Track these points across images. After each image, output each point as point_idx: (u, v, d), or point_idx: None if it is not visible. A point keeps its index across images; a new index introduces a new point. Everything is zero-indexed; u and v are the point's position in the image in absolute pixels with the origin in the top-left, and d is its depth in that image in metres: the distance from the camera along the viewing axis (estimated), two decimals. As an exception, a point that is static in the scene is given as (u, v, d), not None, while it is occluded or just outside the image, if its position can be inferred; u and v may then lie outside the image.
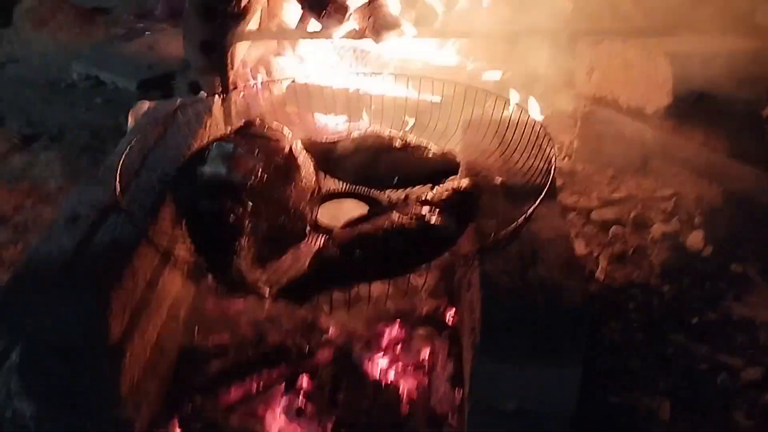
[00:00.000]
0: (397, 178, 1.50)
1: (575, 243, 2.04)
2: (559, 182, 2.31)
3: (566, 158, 2.41)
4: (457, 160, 1.56)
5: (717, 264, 1.93)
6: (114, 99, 2.82)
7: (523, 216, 1.25)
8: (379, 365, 1.51)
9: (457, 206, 1.36)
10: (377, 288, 1.24)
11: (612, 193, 2.25)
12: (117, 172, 1.31)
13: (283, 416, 1.41)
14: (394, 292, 1.28)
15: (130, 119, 2.29)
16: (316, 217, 1.45)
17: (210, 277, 1.20)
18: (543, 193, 1.31)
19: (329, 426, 1.39)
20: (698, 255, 1.97)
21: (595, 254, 2.00)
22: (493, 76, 2.34)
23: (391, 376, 1.50)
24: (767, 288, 1.86)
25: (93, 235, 1.32)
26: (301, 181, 1.46)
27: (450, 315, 1.61)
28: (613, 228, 2.10)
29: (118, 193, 1.27)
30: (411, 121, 1.87)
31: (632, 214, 2.15)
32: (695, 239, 2.01)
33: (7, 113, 2.74)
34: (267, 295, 1.19)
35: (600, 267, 1.94)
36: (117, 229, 1.33)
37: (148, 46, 3.19)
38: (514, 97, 2.33)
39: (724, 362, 1.63)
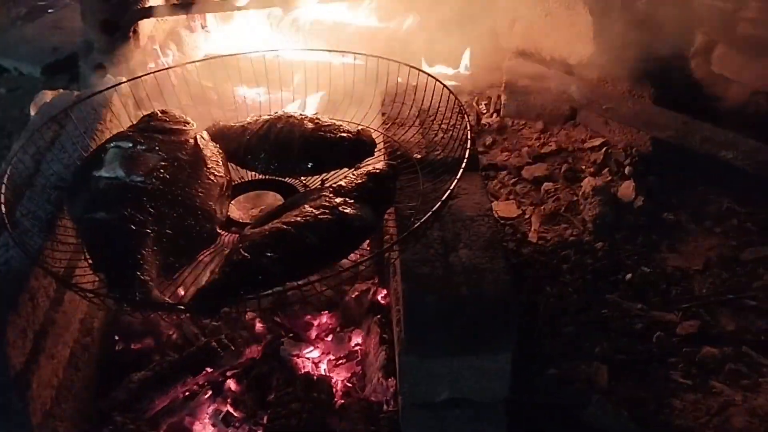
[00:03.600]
0: (311, 164, 1.42)
1: (507, 204, 2.00)
2: (488, 140, 2.26)
3: (494, 114, 2.36)
4: (373, 138, 1.48)
5: (649, 214, 1.91)
6: (19, 87, 2.66)
7: (440, 201, 1.18)
8: (309, 359, 1.46)
9: (374, 191, 1.29)
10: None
11: (542, 148, 2.20)
12: (0, 191, 1.20)
13: (210, 425, 1.35)
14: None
15: (32, 111, 2.15)
16: (227, 214, 1.36)
17: (112, 298, 1.11)
18: (459, 173, 1.24)
19: (260, 430, 1.33)
20: (630, 206, 1.94)
21: (527, 215, 1.96)
22: (411, 36, 2.26)
23: (322, 368, 1.45)
24: (700, 235, 1.85)
25: (-18, 259, 1.22)
26: (209, 177, 1.37)
27: (381, 297, 1.56)
28: (545, 184, 2.06)
29: (2, 215, 1.16)
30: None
31: (563, 168, 2.11)
32: (626, 190, 1.98)
33: None
34: (176, 312, 1.12)
35: (533, 228, 1.90)
36: (9, 250, 1.24)
37: (52, 25, 3.00)
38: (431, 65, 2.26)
39: (660, 319, 1.62)
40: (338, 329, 1.51)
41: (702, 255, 1.79)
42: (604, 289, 1.69)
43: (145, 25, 2.34)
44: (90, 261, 1.18)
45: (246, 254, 1.15)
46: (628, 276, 1.72)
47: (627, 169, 2.03)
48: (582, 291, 1.68)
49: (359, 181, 1.30)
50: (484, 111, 2.37)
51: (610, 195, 1.95)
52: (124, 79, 2.06)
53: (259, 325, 1.51)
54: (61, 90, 2.18)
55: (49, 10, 3.15)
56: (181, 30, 2.54)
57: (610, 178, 2.03)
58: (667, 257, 1.79)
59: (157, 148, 1.37)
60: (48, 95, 2.14)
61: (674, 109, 2.02)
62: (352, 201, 1.25)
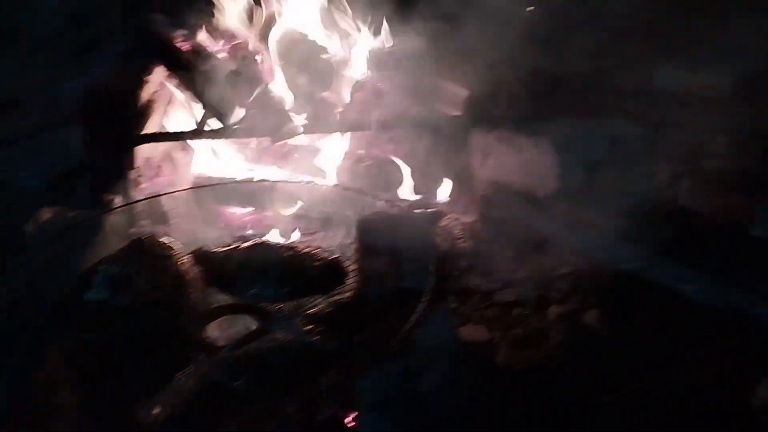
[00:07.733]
0: (286, 289, 1.52)
1: (478, 328, 2.09)
2: (463, 264, 2.36)
3: (469, 240, 2.47)
4: (345, 267, 1.59)
5: (615, 341, 1.99)
6: (17, 201, 2.77)
7: (403, 330, 1.28)
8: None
9: (342, 320, 1.39)
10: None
11: (513, 274, 2.31)
12: None
13: None
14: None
15: (29, 227, 2.27)
16: (204, 336, 1.45)
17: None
18: (426, 302, 1.35)
19: None
20: (596, 333, 2.02)
21: (496, 340, 2.04)
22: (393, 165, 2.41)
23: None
24: (665, 363, 1.93)
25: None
26: (190, 300, 1.47)
27: (349, 421, 1.62)
28: (515, 310, 2.15)
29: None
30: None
31: (533, 295, 2.20)
32: (592, 318, 2.07)
33: None
34: None
35: (501, 353, 1.98)
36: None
37: (54, 143, 3.16)
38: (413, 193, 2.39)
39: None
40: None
41: (664, 381, 1.87)
42: (569, 413, 1.75)
43: (143, 148, 2.48)
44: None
45: (219, 378, 1.24)
46: (595, 400, 1.79)
47: (593, 299, 2.13)
48: (548, 414, 1.74)
49: (328, 310, 1.40)
50: (460, 236, 2.49)
51: (578, 322, 2.04)
52: (120, 202, 2.19)
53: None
54: (57, 208, 2.30)
55: (52, 129, 3.30)
56: (175, 152, 2.68)
57: (577, 305, 2.13)
58: (633, 383, 1.86)
59: (143, 271, 1.48)
60: (46, 213, 2.27)
61: (640, 240, 2.14)
62: (321, 329, 1.35)
